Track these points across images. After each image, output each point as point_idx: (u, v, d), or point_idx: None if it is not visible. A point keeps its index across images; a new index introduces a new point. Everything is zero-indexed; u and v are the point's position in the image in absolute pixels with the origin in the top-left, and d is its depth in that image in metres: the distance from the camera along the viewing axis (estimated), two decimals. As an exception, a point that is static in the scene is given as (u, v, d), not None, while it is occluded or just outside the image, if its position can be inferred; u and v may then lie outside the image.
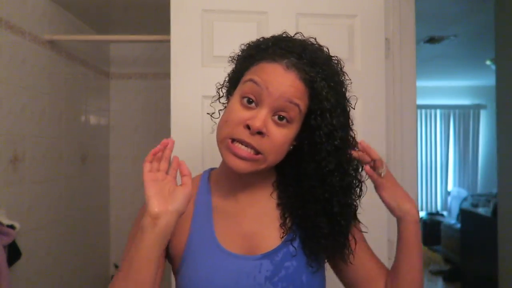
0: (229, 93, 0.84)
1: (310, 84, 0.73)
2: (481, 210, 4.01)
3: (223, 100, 0.87)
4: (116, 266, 2.69)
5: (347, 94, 0.79)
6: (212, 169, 0.91)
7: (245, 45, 0.82)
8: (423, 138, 6.45)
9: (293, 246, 0.79)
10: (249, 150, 0.73)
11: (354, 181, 0.79)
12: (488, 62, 4.37)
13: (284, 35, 0.80)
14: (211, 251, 0.78)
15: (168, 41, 1.50)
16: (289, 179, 0.82)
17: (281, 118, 0.73)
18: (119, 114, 2.81)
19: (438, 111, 6.47)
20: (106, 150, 2.77)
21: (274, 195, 0.84)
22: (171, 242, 0.81)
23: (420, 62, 2.53)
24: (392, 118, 1.70)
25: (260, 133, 0.72)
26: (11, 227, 1.58)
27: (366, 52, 1.60)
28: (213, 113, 0.89)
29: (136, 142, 2.80)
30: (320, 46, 0.80)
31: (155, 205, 0.68)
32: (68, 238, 2.20)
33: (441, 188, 6.51)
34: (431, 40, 3.68)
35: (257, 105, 0.73)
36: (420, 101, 5.02)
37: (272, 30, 1.22)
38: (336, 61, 0.79)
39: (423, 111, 6.41)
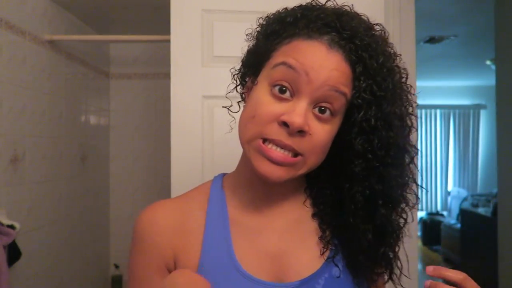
0: (243, 78, 0.69)
1: (359, 64, 0.58)
2: (481, 210, 4.01)
3: (240, 90, 0.73)
4: (117, 266, 2.69)
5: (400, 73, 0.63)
6: (224, 174, 0.74)
7: (265, 18, 0.66)
8: (423, 138, 6.45)
9: (335, 265, 0.63)
10: (286, 152, 0.58)
11: (408, 182, 0.64)
12: (488, 62, 4.37)
13: (313, 3, 0.64)
14: (230, 277, 0.61)
15: (168, 41, 1.50)
16: (324, 181, 0.68)
17: (322, 110, 0.58)
18: (119, 114, 2.80)
19: (438, 111, 6.47)
20: (106, 150, 2.77)
21: (308, 203, 0.68)
22: (177, 266, 0.65)
23: (420, 62, 2.53)
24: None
25: (300, 131, 0.56)
26: (11, 227, 1.58)
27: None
28: (230, 106, 0.73)
29: (136, 142, 2.80)
30: (358, 15, 0.63)
31: None
32: (68, 238, 2.20)
33: (441, 188, 6.51)
34: (431, 40, 3.68)
35: (292, 95, 0.58)
36: (420, 101, 5.00)
37: (272, 30, 1.22)
38: (382, 32, 0.63)
39: (423, 111, 6.41)
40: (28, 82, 1.81)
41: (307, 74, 0.56)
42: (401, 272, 0.69)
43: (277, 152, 0.57)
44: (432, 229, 5.43)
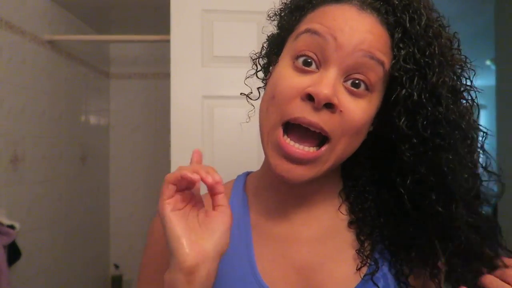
0: (269, 64, 0.61)
1: (399, 28, 0.49)
2: (481, 210, 4.01)
3: (261, 75, 0.64)
4: (117, 266, 2.69)
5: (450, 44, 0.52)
6: (248, 173, 0.65)
7: None
8: (423, 138, 6.45)
9: (375, 284, 0.52)
10: (306, 148, 0.49)
11: (472, 169, 0.52)
12: (488, 62, 4.37)
13: None
14: None
15: (168, 41, 1.50)
16: (364, 184, 0.58)
17: (356, 84, 0.48)
18: (119, 114, 2.80)
19: (438, 111, 6.47)
20: (106, 150, 2.76)
21: (343, 209, 0.58)
22: None
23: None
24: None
25: (329, 106, 0.47)
26: (11, 227, 1.58)
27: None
28: (250, 93, 0.63)
29: (136, 142, 2.80)
30: None
31: (186, 253, 0.43)
32: (68, 238, 2.20)
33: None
34: (431, 40, 3.68)
35: (319, 66, 0.49)
36: (420, 101, 4.98)
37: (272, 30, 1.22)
38: (426, 1, 0.53)
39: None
40: (28, 82, 1.81)
41: (335, 39, 0.47)
42: None
43: (295, 149, 0.49)
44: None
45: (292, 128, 0.49)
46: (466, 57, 0.54)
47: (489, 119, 6.32)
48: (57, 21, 2.10)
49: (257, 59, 0.63)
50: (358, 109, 0.48)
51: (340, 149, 0.50)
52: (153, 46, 2.75)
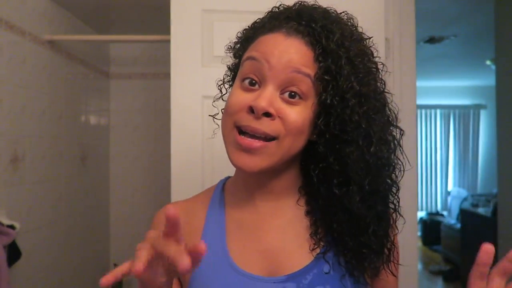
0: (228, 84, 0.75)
1: (317, 45, 0.60)
2: (481, 210, 4.01)
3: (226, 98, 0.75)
4: (116, 266, 2.68)
5: (373, 53, 0.65)
6: (228, 177, 0.78)
7: (241, 31, 0.72)
8: (423, 138, 6.45)
9: (326, 261, 0.64)
10: (257, 141, 0.60)
11: (392, 176, 0.65)
12: (488, 62, 4.38)
13: (280, 7, 0.68)
14: (223, 272, 0.65)
15: (168, 41, 1.50)
16: (316, 181, 0.67)
17: (292, 95, 0.60)
18: (119, 114, 2.80)
19: (438, 111, 6.47)
20: (106, 150, 2.77)
21: (302, 201, 0.69)
22: None
23: (420, 62, 2.53)
24: (392, 118, 1.69)
25: (267, 115, 0.59)
26: (11, 227, 1.58)
27: (366, 52, 1.60)
28: (216, 114, 0.76)
29: (136, 142, 2.80)
30: (324, 8, 0.66)
31: None
32: (68, 238, 2.20)
33: (441, 188, 6.51)
34: (431, 40, 3.68)
35: (260, 84, 0.61)
36: (420, 101, 5.03)
37: (272, 30, 1.22)
38: (347, 18, 0.66)
39: (423, 111, 6.41)
40: (28, 82, 1.81)
41: (268, 61, 0.60)
42: (391, 261, 0.67)
43: (247, 140, 0.59)
44: (432, 229, 5.43)
45: (244, 133, 0.61)
46: (383, 64, 0.66)
47: (489, 119, 6.33)
48: (57, 21, 2.10)
49: (222, 85, 0.76)
50: (294, 113, 0.60)
51: (286, 145, 0.60)
52: (153, 46, 2.75)
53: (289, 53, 0.59)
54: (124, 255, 2.74)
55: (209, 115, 0.80)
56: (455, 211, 5.57)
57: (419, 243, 5.52)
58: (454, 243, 4.55)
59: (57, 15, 2.10)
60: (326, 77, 0.59)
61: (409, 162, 0.67)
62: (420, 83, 2.59)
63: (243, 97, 0.61)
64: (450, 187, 6.50)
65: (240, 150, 0.60)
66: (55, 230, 2.06)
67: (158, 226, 0.70)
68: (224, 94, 0.75)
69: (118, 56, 2.81)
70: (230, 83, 0.75)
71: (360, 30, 0.66)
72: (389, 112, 0.64)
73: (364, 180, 0.61)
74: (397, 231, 0.71)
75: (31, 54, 1.84)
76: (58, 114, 2.10)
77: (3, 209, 1.61)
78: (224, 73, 0.77)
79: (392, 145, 0.64)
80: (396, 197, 0.67)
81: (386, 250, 0.65)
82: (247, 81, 0.62)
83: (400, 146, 0.65)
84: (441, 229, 5.09)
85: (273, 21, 0.64)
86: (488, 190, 5.72)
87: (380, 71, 0.65)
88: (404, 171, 0.67)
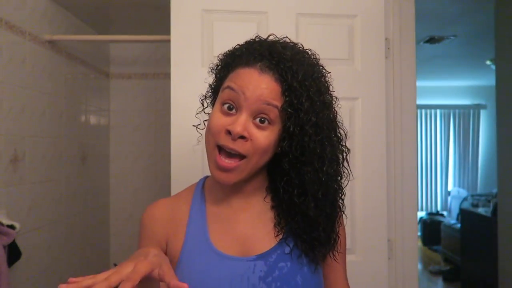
0: (213, 103, 0.87)
1: (284, 83, 0.73)
2: (481, 210, 4.01)
3: (208, 110, 0.88)
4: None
5: (329, 89, 0.79)
6: (207, 176, 0.92)
7: (223, 55, 0.84)
8: (423, 138, 6.46)
9: (287, 245, 0.81)
10: (231, 161, 0.74)
11: (338, 178, 0.80)
12: (488, 62, 4.38)
13: (256, 39, 0.81)
14: (205, 254, 0.80)
15: (168, 41, 1.50)
16: (279, 182, 0.82)
17: (262, 120, 0.74)
18: (119, 114, 2.81)
19: (438, 111, 6.47)
20: (106, 150, 2.77)
21: (268, 199, 0.85)
22: (168, 248, 0.84)
23: (420, 62, 2.53)
24: (392, 118, 1.70)
25: (242, 137, 0.73)
26: (11, 227, 1.58)
27: (366, 52, 1.60)
28: (198, 124, 0.90)
29: (136, 142, 2.80)
30: (293, 43, 0.80)
31: None
32: (68, 238, 2.20)
33: (441, 188, 6.51)
34: (431, 40, 3.68)
35: (237, 110, 0.74)
36: (420, 101, 5.04)
37: (272, 30, 1.22)
38: (310, 55, 0.80)
39: (423, 111, 6.41)
40: (28, 82, 1.81)
41: (244, 93, 0.73)
42: (336, 250, 0.83)
43: (224, 162, 0.74)
44: (432, 229, 5.43)
45: (223, 149, 0.75)
46: (337, 98, 0.81)
47: (489, 119, 6.33)
48: (57, 21, 2.10)
49: (204, 99, 0.90)
50: (263, 137, 0.74)
51: (254, 162, 0.76)
52: (153, 46, 2.75)
53: (261, 88, 0.73)
54: (124, 255, 2.74)
55: (193, 125, 0.93)
56: (455, 211, 5.58)
57: (419, 243, 5.52)
58: (454, 243, 4.54)
59: (57, 15, 2.10)
60: (289, 110, 0.73)
61: (351, 173, 0.83)
62: (420, 83, 2.60)
63: (222, 121, 0.74)
64: (450, 187, 6.50)
65: (219, 169, 0.75)
66: (55, 230, 2.07)
67: (145, 224, 0.86)
68: (205, 107, 0.89)
69: (118, 56, 2.81)
70: (211, 98, 0.89)
71: (321, 66, 0.80)
72: (339, 134, 0.79)
73: (318, 191, 0.76)
74: (342, 225, 0.88)
75: (31, 54, 1.84)
76: (58, 114, 2.10)
77: (3, 209, 1.61)
78: (206, 90, 0.90)
79: (341, 159, 0.80)
80: (341, 199, 0.83)
81: (332, 241, 0.82)
82: (226, 106, 0.75)
83: (347, 161, 0.81)
84: (441, 229, 5.08)
85: (249, 56, 0.76)
86: (488, 190, 5.72)
87: (334, 102, 0.80)
88: (349, 180, 0.82)
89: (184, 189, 0.92)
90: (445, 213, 6.23)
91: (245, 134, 0.73)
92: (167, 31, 1.50)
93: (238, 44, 0.82)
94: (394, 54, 1.71)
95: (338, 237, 0.84)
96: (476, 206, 4.48)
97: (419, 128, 6.41)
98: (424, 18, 2.90)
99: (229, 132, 0.73)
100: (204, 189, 0.89)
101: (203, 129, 0.86)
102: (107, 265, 2.75)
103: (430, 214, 6.03)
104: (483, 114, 6.47)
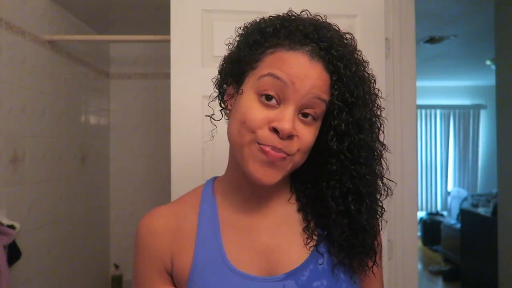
0: (221, 86, 0.74)
1: (334, 73, 0.63)
2: (481, 210, 4.01)
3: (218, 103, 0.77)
4: (117, 266, 2.69)
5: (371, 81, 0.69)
6: (215, 178, 0.78)
7: (243, 28, 0.70)
8: (423, 138, 6.45)
9: (320, 254, 0.67)
10: (280, 153, 0.62)
11: (378, 177, 0.70)
12: (488, 62, 4.38)
13: (289, 13, 0.69)
14: (221, 274, 0.65)
15: (168, 41, 1.50)
16: (306, 177, 0.72)
17: (305, 115, 0.63)
18: (119, 114, 2.81)
19: (438, 111, 6.47)
20: (106, 150, 2.77)
21: (293, 200, 0.73)
22: (174, 267, 0.70)
23: (420, 62, 2.53)
24: (392, 118, 1.70)
25: (289, 136, 0.61)
26: (11, 227, 1.58)
27: (366, 52, 1.59)
28: (212, 114, 0.76)
29: (136, 142, 2.80)
30: (331, 25, 0.68)
31: None
32: (68, 238, 2.20)
33: (441, 188, 6.51)
34: (431, 40, 3.68)
35: (279, 102, 0.62)
36: (420, 101, 5.03)
37: (272, 30, 1.22)
38: (352, 41, 0.69)
39: (423, 111, 6.41)
40: (28, 82, 1.81)
41: (293, 84, 0.60)
42: (376, 261, 0.72)
43: (272, 152, 0.61)
44: (432, 229, 5.43)
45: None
46: (379, 90, 0.70)
47: (489, 119, 6.32)
48: (57, 21, 2.10)
49: (217, 84, 0.75)
50: (309, 134, 0.63)
51: (297, 160, 0.64)
52: (153, 46, 2.75)
53: (313, 78, 0.61)
54: (124, 255, 2.74)
55: (206, 115, 0.80)
56: (455, 211, 5.58)
57: (419, 243, 5.52)
58: (454, 243, 4.54)
59: (57, 15, 2.10)
60: (340, 104, 0.63)
61: (394, 182, 0.73)
62: (420, 83, 2.60)
63: (264, 114, 0.61)
64: (450, 187, 6.50)
65: (264, 162, 0.61)
66: (55, 230, 2.07)
67: (142, 241, 0.73)
68: (219, 94, 0.76)
69: (118, 56, 2.81)
70: (220, 81, 0.74)
71: (360, 52, 0.70)
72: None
73: (373, 194, 0.68)
74: (381, 233, 0.76)
75: (31, 54, 1.84)
76: (58, 114, 2.10)
77: (3, 209, 1.61)
78: (218, 68, 0.75)
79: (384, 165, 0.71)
80: (382, 208, 0.72)
81: (375, 249, 0.70)
82: (265, 97, 0.62)
83: (387, 164, 0.72)
84: (441, 229, 5.08)
85: (292, 37, 0.63)
86: (488, 190, 5.72)
87: (379, 99, 0.70)
88: (390, 190, 0.72)
89: (187, 193, 0.78)
90: (445, 213, 6.23)
91: (294, 133, 0.61)
92: (167, 31, 1.50)
93: (263, 18, 0.69)
94: (394, 54, 1.71)
95: (379, 244, 0.72)
96: (476, 206, 4.48)
97: (419, 128, 6.41)
98: (424, 18, 2.90)
99: (274, 130, 0.60)
100: (215, 192, 0.74)
101: (219, 120, 0.74)
102: (107, 265, 2.75)
103: (430, 214, 6.03)
104: (483, 114, 6.47)
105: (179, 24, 1.50)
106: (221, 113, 0.75)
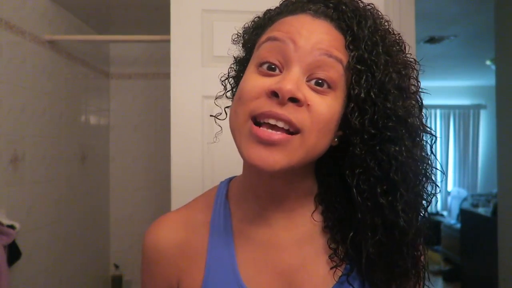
0: (237, 83, 0.64)
1: (348, 31, 0.52)
2: (481, 210, 4.01)
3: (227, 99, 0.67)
4: (117, 266, 2.69)
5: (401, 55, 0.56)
6: (231, 179, 0.66)
7: (251, 22, 0.63)
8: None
9: (350, 284, 0.54)
10: (279, 133, 0.49)
11: (418, 161, 0.54)
12: (488, 62, 4.37)
13: None
14: None
15: (168, 41, 1.50)
16: (335, 190, 0.59)
17: (319, 83, 0.50)
18: (119, 114, 2.80)
19: (438, 111, 6.47)
20: (106, 150, 2.76)
21: (317, 214, 0.59)
22: (180, 285, 0.61)
23: (420, 62, 2.52)
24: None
25: (294, 100, 0.48)
26: (11, 227, 1.58)
27: (366, 52, 1.60)
28: (219, 113, 0.65)
29: (136, 142, 2.80)
30: None
31: None
32: (68, 238, 2.20)
33: (441, 188, 6.50)
34: (431, 40, 3.68)
35: (282, 70, 0.51)
36: (420, 101, 5.00)
37: (272, 30, 1.22)
38: (374, 10, 0.56)
39: (423, 111, 6.40)
40: (28, 82, 1.81)
41: (294, 41, 0.50)
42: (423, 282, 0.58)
43: (266, 132, 0.49)
44: (432, 229, 5.41)
45: (261, 126, 0.50)
46: (415, 60, 0.58)
47: (489, 119, 6.32)
48: (57, 21, 2.10)
49: (226, 80, 0.66)
50: (325, 104, 0.50)
51: (312, 142, 0.50)
52: (153, 46, 2.75)
53: (319, 33, 0.51)
54: (124, 255, 2.74)
55: (211, 115, 0.67)
56: (455, 211, 5.57)
57: (419, 243, 5.51)
58: (454, 243, 4.54)
59: (57, 15, 2.10)
60: (359, 67, 0.51)
61: (443, 172, 0.58)
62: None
63: (262, 81, 0.50)
64: (450, 187, 6.50)
65: (257, 142, 0.49)
66: (55, 230, 2.06)
67: (148, 256, 0.63)
68: (228, 91, 0.66)
69: (118, 56, 2.81)
70: (235, 77, 0.65)
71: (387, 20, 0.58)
72: (422, 116, 0.57)
73: (412, 186, 0.52)
74: (426, 251, 0.60)
75: (31, 54, 1.84)
76: (58, 114, 2.10)
77: (3, 209, 1.61)
78: (229, 67, 0.66)
79: (426, 152, 0.55)
80: (427, 211, 0.57)
81: (416, 271, 0.56)
82: (265, 66, 0.51)
83: (434, 155, 0.55)
84: (441, 229, 5.08)
85: (295, 4, 0.55)
86: (488, 190, 5.72)
87: (415, 67, 0.57)
88: (437, 186, 0.56)
89: (199, 196, 0.67)
90: (445, 213, 6.23)
91: (299, 95, 0.48)
92: (167, 31, 1.50)
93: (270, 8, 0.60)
94: (394, 54, 1.71)
95: (424, 266, 0.58)
96: (476, 206, 4.48)
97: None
98: (424, 18, 2.90)
99: (274, 94, 0.48)
100: (229, 198, 0.63)
101: (223, 119, 0.63)
102: (107, 265, 2.75)
103: (430, 214, 5.99)
104: (483, 114, 6.46)
105: (179, 24, 1.50)
106: (225, 112, 0.65)
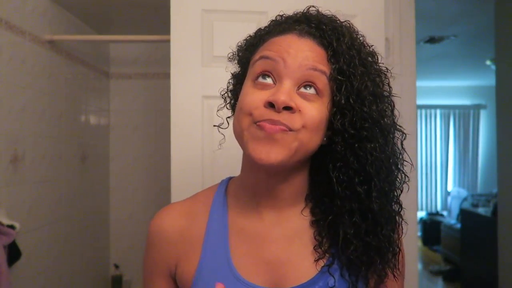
0: (236, 95, 0.72)
1: (329, 47, 0.61)
2: (481, 210, 4.01)
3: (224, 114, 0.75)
4: (117, 266, 2.69)
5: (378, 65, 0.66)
6: (230, 178, 0.75)
7: (244, 40, 0.72)
8: (423, 138, 6.45)
9: (331, 275, 0.63)
10: (278, 126, 0.58)
11: (397, 179, 0.65)
12: (488, 62, 4.38)
13: (282, 14, 0.69)
14: (226, 281, 0.62)
15: (168, 41, 1.50)
16: (322, 188, 0.67)
17: (308, 87, 0.60)
18: (119, 114, 2.80)
19: (438, 111, 6.47)
20: (106, 150, 2.77)
21: (306, 211, 0.68)
22: (178, 270, 0.68)
23: (420, 62, 2.52)
24: (392, 118, 1.70)
25: (288, 108, 0.58)
26: (11, 227, 1.58)
27: (366, 52, 1.60)
28: (221, 123, 0.74)
29: (136, 142, 2.80)
30: (327, 15, 0.67)
31: None
32: (68, 238, 2.20)
33: (441, 188, 6.51)
34: (431, 40, 3.68)
35: (275, 82, 0.60)
36: (420, 101, 5.02)
37: (272, 30, 1.22)
38: (349, 25, 0.66)
39: (423, 111, 6.41)
40: (28, 82, 1.81)
41: (284, 59, 0.59)
42: (396, 267, 0.65)
43: (268, 125, 0.57)
44: (432, 229, 5.43)
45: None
46: (387, 68, 0.67)
47: (489, 119, 6.33)
48: (57, 21, 2.10)
49: (226, 94, 0.75)
50: (314, 108, 0.59)
51: (303, 139, 0.59)
52: (153, 46, 2.75)
53: (304, 51, 0.60)
54: (124, 255, 2.74)
55: (214, 125, 0.77)
56: (455, 211, 5.57)
57: (419, 243, 5.52)
58: (454, 243, 4.54)
59: (57, 15, 2.10)
60: (339, 77, 0.60)
61: (412, 164, 0.67)
62: (420, 83, 2.59)
63: (259, 94, 0.59)
64: (450, 187, 6.50)
65: (261, 139, 0.58)
66: (55, 230, 2.06)
67: (153, 239, 0.70)
68: (228, 103, 0.74)
69: (118, 56, 2.81)
70: (233, 91, 0.74)
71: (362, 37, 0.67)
72: (394, 116, 0.66)
73: (384, 177, 0.62)
74: (402, 235, 0.69)
75: (31, 54, 1.84)
76: (58, 114, 2.10)
77: (3, 209, 1.61)
78: (227, 81, 0.75)
79: (397, 147, 0.65)
80: (399, 199, 0.66)
81: (391, 254, 0.64)
82: (260, 78, 0.61)
83: (404, 150, 0.66)
84: (441, 229, 5.08)
85: (282, 25, 0.65)
86: (488, 190, 5.72)
87: (386, 75, 0.66)
88: (406, 176, 0.66)
89: (202, 191, 0.75)
90: (445, 213, 6.23)
91: (292, 104, 0.57)
92: (167, 31, 1.50)
93: (260, 28, 0.70)
94: (394, 54, 1.71)
95: (399, 249, 0.66)
96: (476, 206, 4.49)
97: (419, 128, 6.41)
98: (424, 18, 2.90)
99: (270, 105, 0.57)
100: (228, 193, 0.71)
101: (226, 128, 0.72)
102: (107, 265, 2.75)
103: (430, 214, 6.03)
104: (483, 114, 6.47)
105: (179, 24, 1.50)
106: (227, 122, 0.74)
